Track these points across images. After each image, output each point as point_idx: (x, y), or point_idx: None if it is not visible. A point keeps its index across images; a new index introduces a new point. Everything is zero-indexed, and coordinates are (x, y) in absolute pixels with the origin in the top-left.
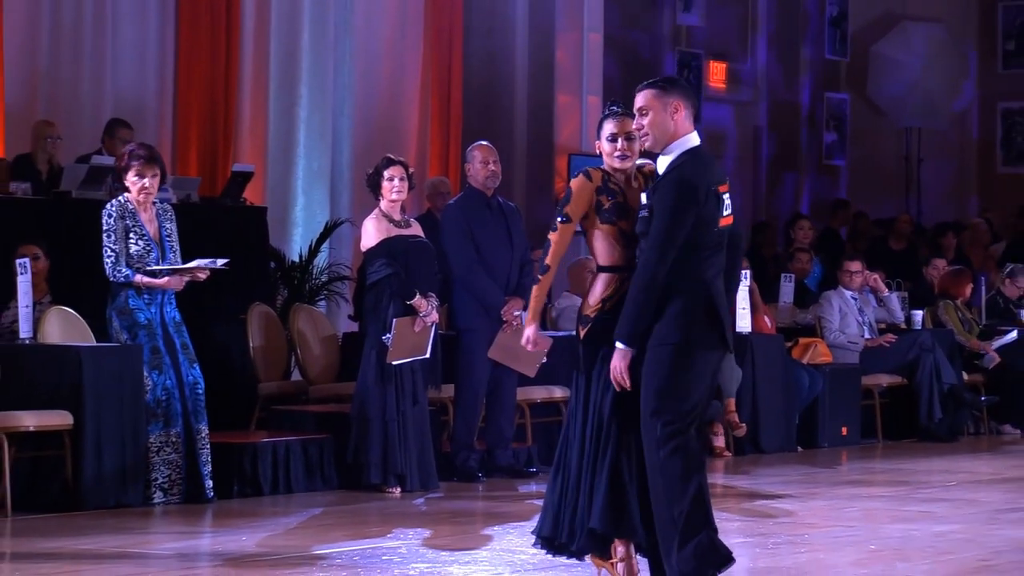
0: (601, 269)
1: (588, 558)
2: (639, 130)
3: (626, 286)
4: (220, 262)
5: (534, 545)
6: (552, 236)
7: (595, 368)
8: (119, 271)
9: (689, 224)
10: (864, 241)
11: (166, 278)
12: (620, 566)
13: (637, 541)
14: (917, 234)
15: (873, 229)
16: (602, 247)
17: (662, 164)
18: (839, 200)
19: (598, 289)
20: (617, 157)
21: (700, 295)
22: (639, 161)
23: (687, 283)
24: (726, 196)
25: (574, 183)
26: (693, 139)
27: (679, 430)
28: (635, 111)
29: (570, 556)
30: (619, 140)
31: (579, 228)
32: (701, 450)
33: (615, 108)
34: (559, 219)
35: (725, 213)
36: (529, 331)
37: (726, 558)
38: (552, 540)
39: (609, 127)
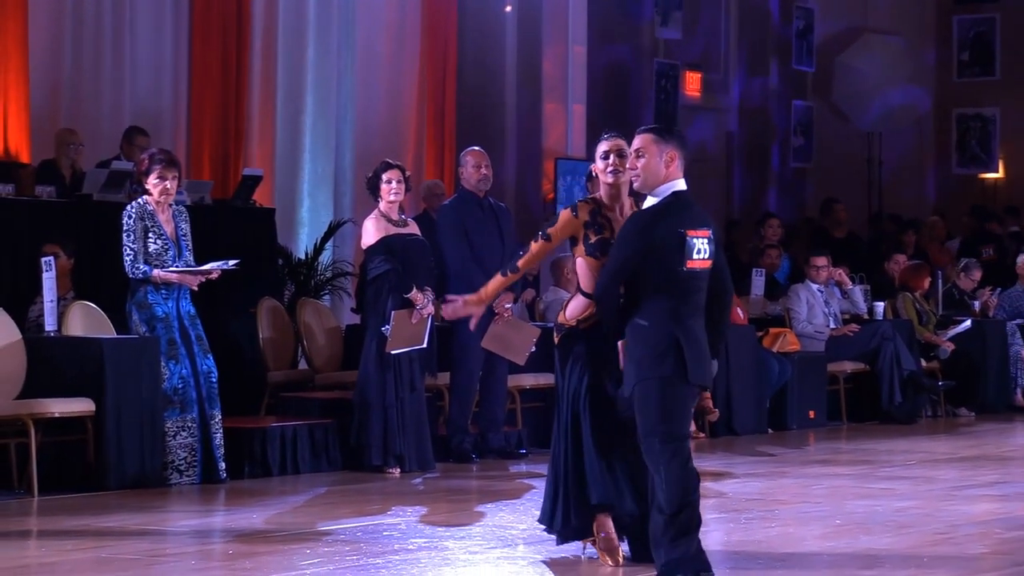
0: (582, 293)
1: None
2: (632, 169)
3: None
4: (231, 263)
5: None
6: (533, 246)
7: (567, 366)
8: (137, 268)
9: (636, 257)
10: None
11: (181, 275)
12: (603, 540)
13: (622, 512)
14: (878, 230)
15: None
16: (583, 274)
17: (647, 204)
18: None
19: (576, 308)
20: (609, 173)
21: (664, 335)
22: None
23: (652, 322)
24: (699, 240)
25: (562, 214)
26: (679, 185)
27: (677, 443)
28: (632, 151)
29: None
30: (611, 156)
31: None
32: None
33: (609, 133)
34: (541, 235)
35: (695, 256)
36: (472, 310)
37: (706, 567)
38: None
39: (602, 147)
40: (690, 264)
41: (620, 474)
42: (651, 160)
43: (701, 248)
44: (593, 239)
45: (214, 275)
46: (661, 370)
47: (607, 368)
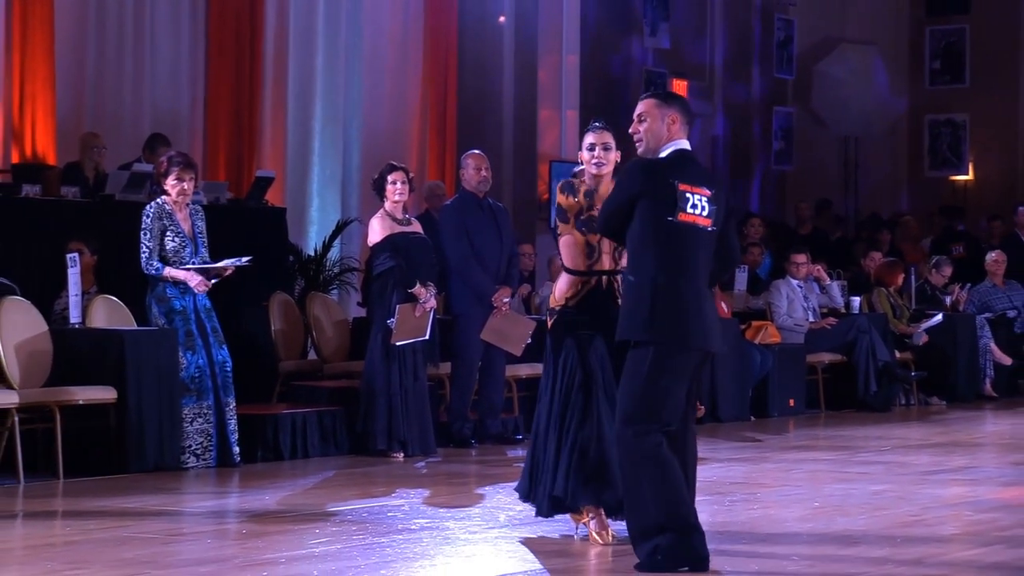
0: (566, 270)
1: (570, 515)
2: (635, 134)
3: (587, 288)
4: (244, 260)
5: (520, 499)
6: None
7: (561, 354)
8: (151, 265)
9: (629, 201)
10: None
11: (190, 273)
12: (593, 522)
13: (605, 503)
14: (855, 229)
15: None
16: (568, 252)
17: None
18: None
19: (563, 286)
20: (594, 164)
21: (649, 291)
22: None
23: (639, 276)
24: (695, 196)
25: (561, 198)
26: (683, 144)
27: (649, 438)
28: (634, 116)
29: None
30: (596, 149)
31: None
32: (675, 451)
33: (596, 124)
34: (556, 230)
35: (689, 210)
36: None
37: (685, 561)
38: (529, 498)
39: (589, 139)
40: (682, 216)
41: (603, 467)
42: (653, 123)
43: (697, 203)
44: (585, 216)
45: (228, 272)
46: (644, 332)
47: (596, 352)
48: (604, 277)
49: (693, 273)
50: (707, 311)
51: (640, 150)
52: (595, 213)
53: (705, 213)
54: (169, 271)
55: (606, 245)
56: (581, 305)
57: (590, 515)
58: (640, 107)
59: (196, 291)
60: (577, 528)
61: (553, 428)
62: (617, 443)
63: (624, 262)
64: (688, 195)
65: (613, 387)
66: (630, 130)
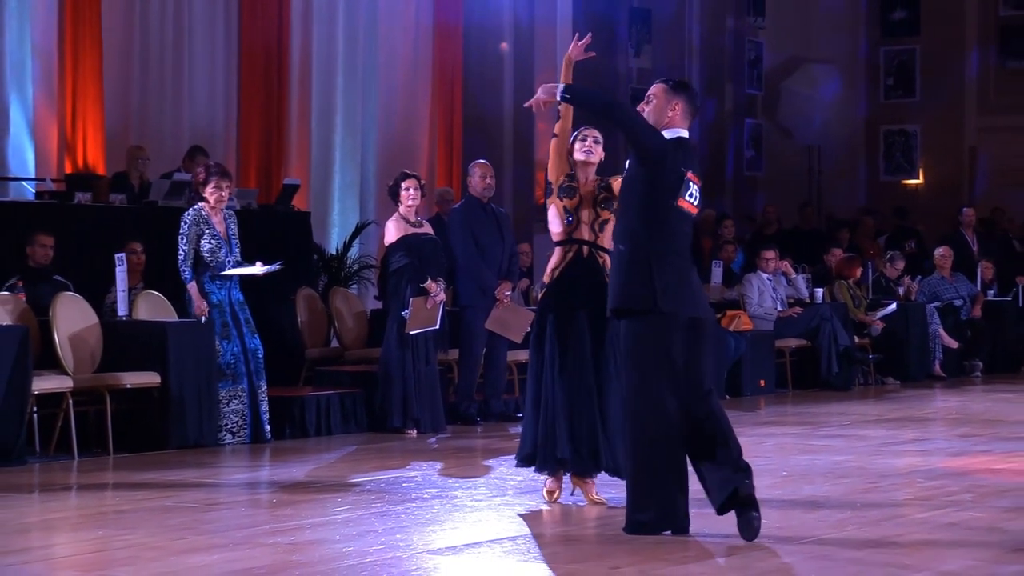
0: (555, 243)
1: (569, 477)
2: (640, 112)
3: (568, 258)
4: (276, 266)
5: (517, 466)
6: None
7: (543, 338)
8: (183, 270)
9: (651, 141)
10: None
11: (198, 296)
12: (548, 481)
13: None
14: (818, 228)
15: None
16: (552, 222)
17: None
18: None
19: (552, 260)
20: (583, 152)
21: (639, 260)
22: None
23: (630, 247)
24: (693, 185)
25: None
26: (683, 132)
27: (660, 413)
28: (645, 97)
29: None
30: (588, 140)
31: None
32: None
33: (589, 126)
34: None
35: (687, 198)
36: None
37: (671, 525)
38: (531, 459)
39: (582, 132)
40: (681, 202)
41: (584, 436)
42: (658, 104)
43: (693, 192)
44: (565, 184)
45: (260, 273)
46: (641, 301)
47: (574, 328)
48: (585, 247)
49: (683, 249)
50: (696, 283)
51: None
52: (574, 185)
53: (696, 202)
54: (191, 285)
55: (584, 215)
56: (565, 275)
57: (546, 479)
58: (652, 89)
59: (195, 313)
60: (573, 491)
61: (531, 397)
62: (626, 416)
63: (605, 238)
64: (690, 184)
65: (587, 363)
66: (637, 108)
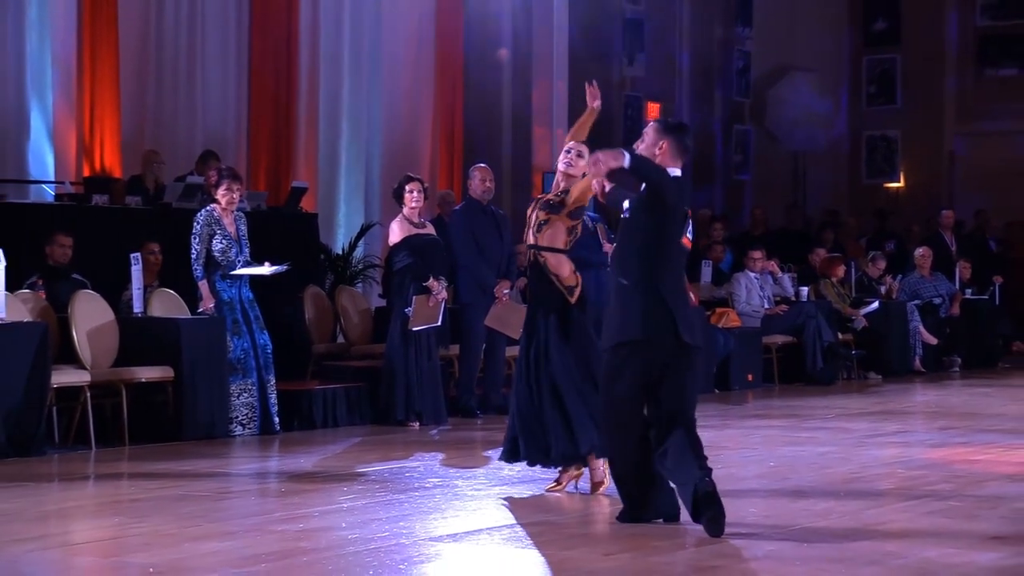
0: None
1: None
2: (635, 149)
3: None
4: (283, 267)
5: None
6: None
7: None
8: (196, 268)
9: (670, 194)
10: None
11: (208, 294)
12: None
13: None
14: (804, 229)
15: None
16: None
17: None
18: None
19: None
20: (563, 163)
21: (650, 294)
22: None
23: (644, 285)
24: (689, 221)
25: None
26: (675, 172)
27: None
28: (641, 134)
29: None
30: (571, 152)
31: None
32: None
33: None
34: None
35: (688, 235)
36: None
37: (659, 514)
38: (513, 455)
39: (567, 145)
40: (684, 240)
41: (549, 426)
42: (647, 144)
43: (690, 229)
44: (554, 201)
45: (267, 273)
46: (633, 332)
47: (538, 328)
48: (530, 251)
49: (681, 281)
50: (689, 312)
51: None
52: (556, 200)
53: (691, 236)
54: (202, 283)
55: (531, 219)
56: (527, 281)
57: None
58: (646, 128)
59: (203, 308)
60: (576, 484)
61: (534, 394)
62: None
63: (543, 238)
64: (690, 222)
65: (542, 359)
66: (634, 145)
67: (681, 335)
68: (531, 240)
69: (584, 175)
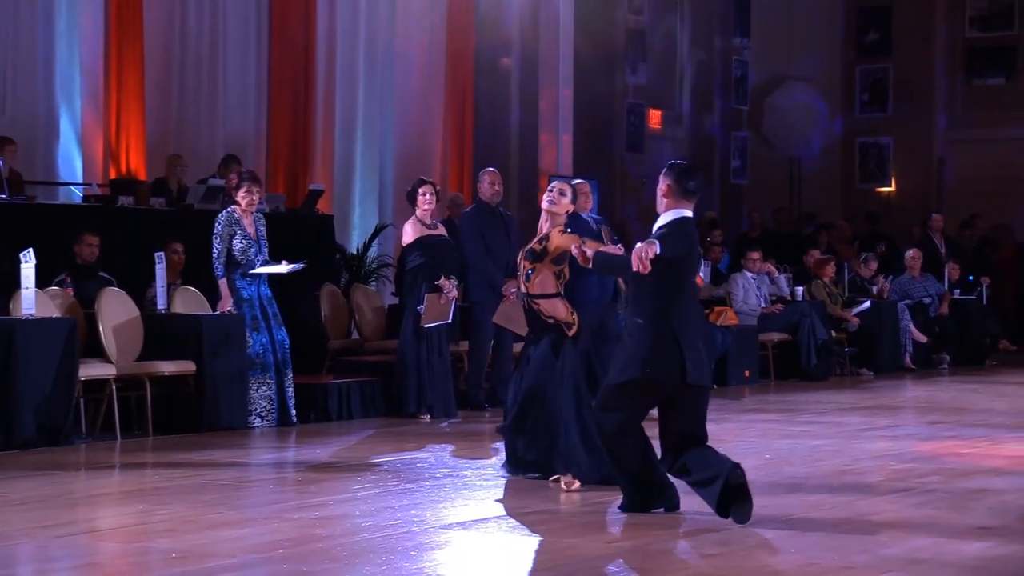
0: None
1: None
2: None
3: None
4: (300, 265)
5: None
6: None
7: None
8: (216, 267)
9: (683, 249)
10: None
11: (227, 293)
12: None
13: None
14: (799, 231)
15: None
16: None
17: (660, 221)
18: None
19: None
20: (546, 201)
21: (666, 335)
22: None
23: (659, 325)
24: (701, 260)
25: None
26: (685, 212)
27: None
28: None
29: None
30: (554, 191)
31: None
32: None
33: (559, 178)
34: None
35: (701, 273)
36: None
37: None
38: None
39: (551, 185)
40: (697, 279)
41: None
42: (658, 185)
43: (702, 267)
44: (537, 250)
45: (284, 271)
46: (638, 370)
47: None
48: (525, 300)
49: (696, 318)
50: (702, 351)
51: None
52: (536, 249)
53: (702, 274)
54: (222, 282)
55: (520, 268)
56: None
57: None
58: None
59: (221, 308)
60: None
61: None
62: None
63: (534, 286)
64: (701, 262)
65: (544, 373)
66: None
67: (687, 375)
68: (523, 289)
69: (567, 213)
